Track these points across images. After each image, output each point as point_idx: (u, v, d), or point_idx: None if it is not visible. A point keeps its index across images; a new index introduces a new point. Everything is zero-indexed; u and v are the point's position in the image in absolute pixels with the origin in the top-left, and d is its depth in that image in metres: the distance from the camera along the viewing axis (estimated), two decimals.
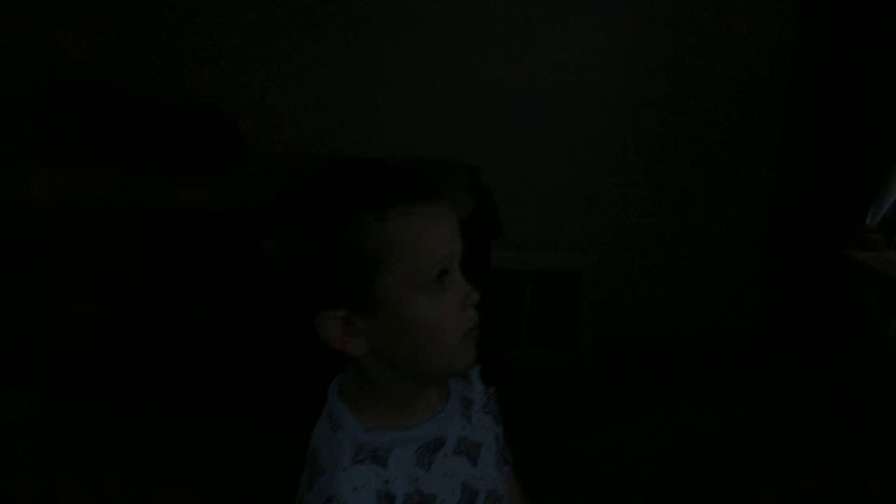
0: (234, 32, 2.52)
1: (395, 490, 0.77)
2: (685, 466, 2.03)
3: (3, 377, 2.26)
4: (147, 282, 2.20)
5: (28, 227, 2.16)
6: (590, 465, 2.02)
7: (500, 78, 2.51)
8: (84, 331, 2.23)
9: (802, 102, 2.50)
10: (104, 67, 2.49)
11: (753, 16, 2.46)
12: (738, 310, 2.71)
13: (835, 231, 2.48)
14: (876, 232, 2.46)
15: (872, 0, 2.28)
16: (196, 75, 2.54)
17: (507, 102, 2.53)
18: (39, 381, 2.27)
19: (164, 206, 2.10)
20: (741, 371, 2.56)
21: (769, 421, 2.28)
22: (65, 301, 2.23)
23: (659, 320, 2.71)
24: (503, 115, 2.53)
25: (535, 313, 2.52)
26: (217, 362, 2.22)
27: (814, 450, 2.12)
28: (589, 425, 2.23)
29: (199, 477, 1.97)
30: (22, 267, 2.20)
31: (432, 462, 0.81)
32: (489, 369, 0.96)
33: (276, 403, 2.04)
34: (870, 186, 2.39)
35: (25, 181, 2.15)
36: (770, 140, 2.57)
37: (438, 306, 0.75)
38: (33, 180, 2.15)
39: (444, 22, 2.50)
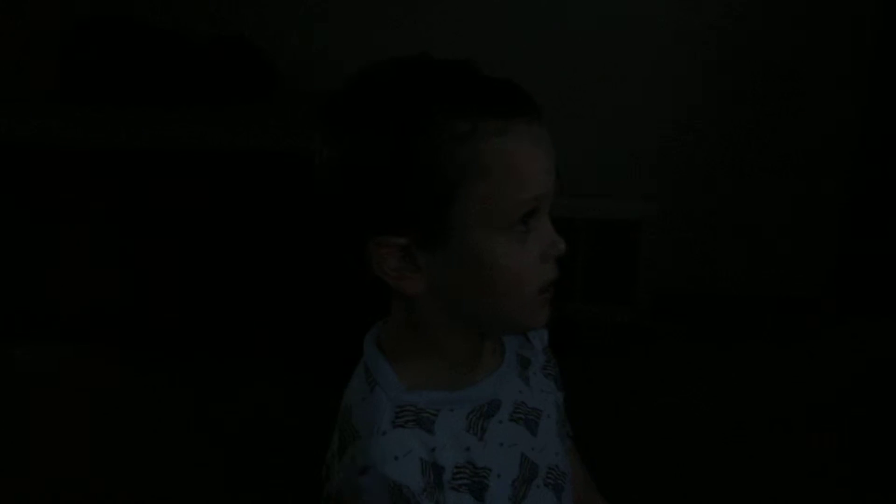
0: None
1: (444, 460, 0.65)
2: (744, 430, 1.93)
3: (25, 329, 2.24)
4: (175, 224, 2.12)
5: (54, 169, 2.10)
6: (647, 427, 1.92)
7: (558, 9, 2.33)
8: (109, 278, 2.18)
9: (891, 44, 2.29)
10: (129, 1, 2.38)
11: None
12: (815, 264, 2.52)
13: None
14: None
15: None
16: (228, 8, 2.40)
17: (561, 29, 2.34)
18: (64, 332, 2.23)
19: (192, 146, 2.02)
20: (814, 330, 2.40)
21: (836, 383, 2.14)
22: (92, 246, 2.18)
23: (726, 275, 2.53)
24: (557, 43, 2.34)
25: (590, 266, 2.37)
26: (248, 311, 2.15)
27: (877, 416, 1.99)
28: (647, 386, 2.12)
29: (219, 436, 1.92)
30: (46, 211, 2.15)
31: (486, 429, 0.69)
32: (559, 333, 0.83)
33: (308, 356, 1.96)
34: None
35: (52, 122, 2.09)
36: (855, 82, 2.35)
37: (518, 252, 0.64)
38: (60, 121, 2.09)
39: None
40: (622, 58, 2.36)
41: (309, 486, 0.74)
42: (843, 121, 2.39)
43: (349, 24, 2.39)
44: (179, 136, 2.04)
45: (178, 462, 1.83)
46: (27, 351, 2.25)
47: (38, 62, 2.34)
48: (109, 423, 1.98)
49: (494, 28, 2.35)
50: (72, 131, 2.07)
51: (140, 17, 2.28)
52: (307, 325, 2.06)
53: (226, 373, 2.13)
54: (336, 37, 2.37)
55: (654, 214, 2.38)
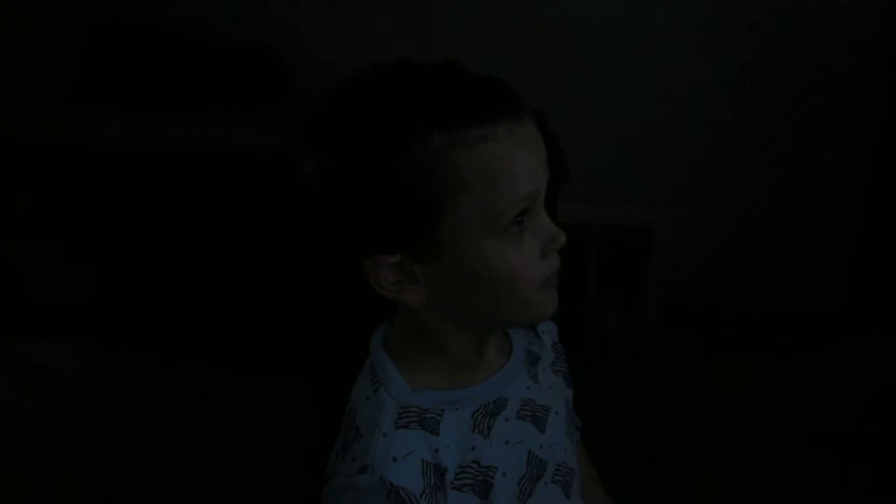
0: None
1: (447, 461, 0.65)
2: (752, 446, 1.90)
3: (55, 326, 2.24)
4: (193, 227, 2.12)
5: (71, 171, 2.11)
6: (655, 438, 1.90)
7: (569, 9, 2.33)
8: (130, 279, 2.19)
9: None
10: (148, 4, 2.39)
11: None
12: (829, 276, 2.49)
13: None
14: None
15: None
16: (245, 13, 2.41)
17: (575, 37, 2.34)
18: (91, 330, 2.22)
19: (212, 147, 2.02)
20: (827, 343, 2.36)
21: (847, 400, 2.09)
22: (111, 247, 2.18)
23: (738, 284, 2.51)
24: (571, 51, 2.35)
25: (602, 272, 2.36)
26: (264, 314, 2.14)
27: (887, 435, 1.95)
28: (655, 397, 2.09)
29: (238, 435, 1.91)
30: (66, 213, 2.15)
31: (492, 427, 0.68)
32: (567, 331, 0.82)
33: (325, 358, 1.95)
34: None
35: (69, 124, 2.10)
36: (873, 94, 2.33)
37: (516, 254, 0.63)
38: (77, 123, 2.09)
39: None
40: (637, 61, 2.36)
41: (316, 486, 0.74)
42: (861, 125, 2.37)
43: (367, 29, 2.40)
44: (191, 138, 2.05)
45: (191, 462, 1.82)
46: (39, 348, 2.26)
47: (54, 64, 2.35)
48: (123, 423, 1.98)
49: (507, 30, 2.36)
50: (85, 132, 2.09)
51: (156, 21, 2.29)
52: (321, 325, 2.06)
53: (235, 373, 2.13)
54: (354, 43, 2.38)
55: (667, 221, 2.36)
